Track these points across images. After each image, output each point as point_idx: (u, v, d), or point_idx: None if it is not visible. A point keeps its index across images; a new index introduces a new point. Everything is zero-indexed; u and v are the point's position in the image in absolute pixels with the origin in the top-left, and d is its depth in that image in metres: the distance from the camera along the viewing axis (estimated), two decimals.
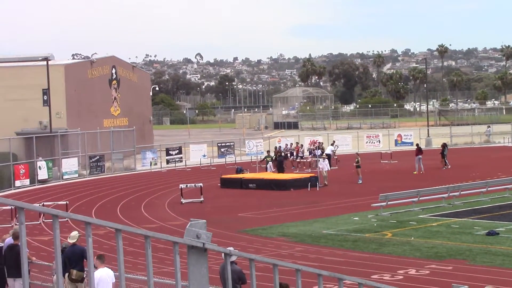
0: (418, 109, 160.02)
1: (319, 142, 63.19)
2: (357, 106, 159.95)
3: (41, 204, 35.58)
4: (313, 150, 59.34)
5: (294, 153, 60.11)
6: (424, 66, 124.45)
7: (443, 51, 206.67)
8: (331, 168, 56.82)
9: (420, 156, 51.98)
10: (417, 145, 55.21)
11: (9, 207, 33.87)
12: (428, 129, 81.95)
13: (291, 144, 63.96)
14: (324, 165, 46.67)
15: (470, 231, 29.85)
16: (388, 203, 35.03)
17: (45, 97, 59.77)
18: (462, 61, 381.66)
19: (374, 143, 73.31)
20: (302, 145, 62.54)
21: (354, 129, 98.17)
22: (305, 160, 58.16)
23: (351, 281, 4.76)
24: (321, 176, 45.61)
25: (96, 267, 16.39)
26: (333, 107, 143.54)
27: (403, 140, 75.60)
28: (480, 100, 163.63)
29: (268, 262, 4.24)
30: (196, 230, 3.88)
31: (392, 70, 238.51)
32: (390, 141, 72.73)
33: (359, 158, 47.90)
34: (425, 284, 20.91)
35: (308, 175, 47.97)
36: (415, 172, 51.15)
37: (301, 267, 4.27)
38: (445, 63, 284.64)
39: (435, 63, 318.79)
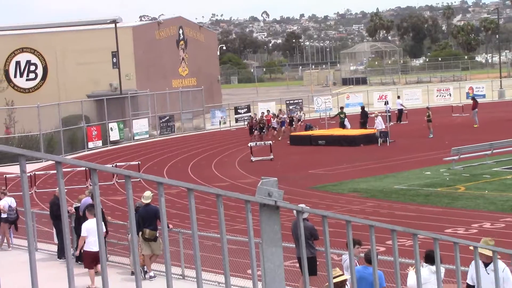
0: (490, 60, 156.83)
1: (286, 111, 58.40)
2: (427, 60, 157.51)
3: (113, 165, 36.18)
4: (280, 120, 51.80)
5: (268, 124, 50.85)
6: (496, 16, 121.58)
7: None
8: (402, 122, 56.23)
9: (476, 109, 51.34)
10: (472, 98, 54.36)
11: (83, 168, 34.52)
12: (500, 81, 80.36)
13: (262, 113, 53.70)
14: (377, 123, 45.67)
15: None
16: (461, 156, 34.55)
17: (114, 60, 60.44)
18: None
19: (444, 96, 72.22)
20: (275, 115, 53.29)
21: (424, 83, 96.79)
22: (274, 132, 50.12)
23: (426, 236, 4.70)
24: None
25: (87, 218, 18.19)
26: (402, 61, 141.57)
27: (474, 92, 74.22)
28: None
29: (341, 218, 4.20)
30: (268, 188, 3.86)
31: (462, 22, 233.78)
32: (461, 94, 71.53)
33: (430, 112, 47.27)
34: (501, 237, 20.61)
35: (376, 131, 47.55)
36: (475, 126, 50.33)
37: (374, 223, 4.23)
38: None
39: (507, 13, 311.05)
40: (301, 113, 57.28)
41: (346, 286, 10.16)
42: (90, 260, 17.82)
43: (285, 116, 53.39)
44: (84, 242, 17.85)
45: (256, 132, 49.19)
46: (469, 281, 11.34)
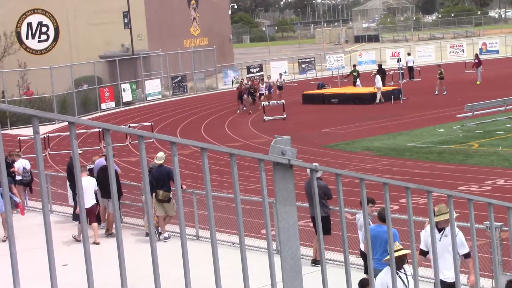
0: (503, 15, 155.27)
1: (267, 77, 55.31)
2: (439, 16, 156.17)
3: (126, 126, 36.25)
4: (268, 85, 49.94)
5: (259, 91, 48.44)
6: None
7: None
8: (413, 79, 55.89)
9: (480, 67, 51.23)
10: (476, 55, 54.01)
11: (96, 130, 34.60)
12: None
13: (249, 79, 52.62)
14: (376, 82, 45.31)
15: None
16: (474, 113, 34.41)
17: (126, 20, 60.20)
18: None
19: (457, 52, 71.73)
20: (261, 80, 51.24)
21: (437, 39, 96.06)
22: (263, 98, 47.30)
23: (440, 193, 4.69)
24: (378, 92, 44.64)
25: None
26: (414, 18, 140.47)
27: (488, 48, 73.76)
28: None
29: (355, 176, 4.19)
30: (281, 146, 3.85)
31: None
32: (474, 50, 70.97)
33: (442, 70, 46.97)
34: None
35: (390, 88, 47.42)
36: (478, 83, 50.11)
37: (388, 180, 4.21)
38: None
39: None
40: (281, 79, 51.96)
41: (406, 259, 10.08)
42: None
43: (270, 81, 51.63)
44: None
45: (246, 97, 46.51)
46: (422, 247, 11.36)
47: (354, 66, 54.44)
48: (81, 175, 19.01)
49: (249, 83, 48.93)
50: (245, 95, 46.54)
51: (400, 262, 9.72)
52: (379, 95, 44.31)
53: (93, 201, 18.88)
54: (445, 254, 10.43)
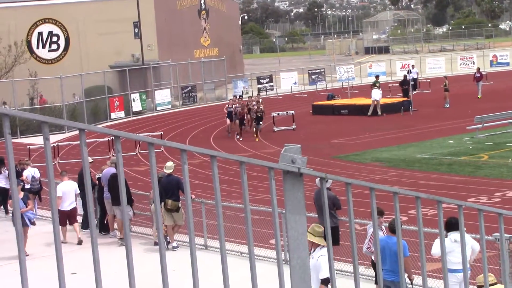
0: None
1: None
2: (450, 28, 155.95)
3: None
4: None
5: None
6: None
7: None
8: (417, 91, 55.41)
9: (481, 81, 50.75)
10: (477, 69, 53.40)
11: (106, 139, 34.66)
12: None
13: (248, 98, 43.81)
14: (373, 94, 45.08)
15: None
16: (484, 125, 34.34)
17: (136, 30, 60.36)
18: None
19: (468, 64, 71.54)
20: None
21: (447, 51, 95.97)
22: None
23: (450, 203, 4.67)
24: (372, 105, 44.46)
25: (60, 181, 19.78)
26: (425, 30, 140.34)
27: (498, 60, 73.63)
28: None
29: (365, 185, 4.18)
30: (291, 155, 3.84)
31: None
32: (485, 62, 70.86)
33: (447, 82, 46.82)
34: None
35: (400, 99, 47.37)
36: (479, 97, 49.55)
37: (398, 190, 4.20)
38: None
39: None
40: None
41: None
42: (63, 219, 19.25)
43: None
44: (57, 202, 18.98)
45: (248, 119, 39.59)
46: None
47: (377, 77, 53.94)
48: (63, 179, 19.71)
49: (253, 103, 39.56)
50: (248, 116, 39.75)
51: None
52: (372, 108, 44.07)
53: (74, 205, 19.97)
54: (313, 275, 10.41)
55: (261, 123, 38.10)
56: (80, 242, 19.25)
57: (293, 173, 3.83)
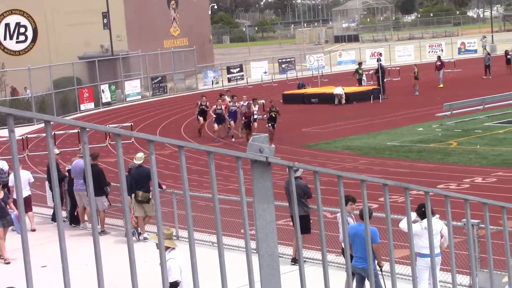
0: (481, 15, 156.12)
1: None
2: (419, 16, 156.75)
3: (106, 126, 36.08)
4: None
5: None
6: None
7: None
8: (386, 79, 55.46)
9: (442, 69, 50.05)
10: (438, 57, 52.63)
11: (76, 131, 34.45)
12: (492, 36, 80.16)
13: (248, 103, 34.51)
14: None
15: None
16: (453, 112, 34.61)
17: (105, 21, 59.99)
18: None
19: (436, 52, 71.89)
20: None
21: (416, 39, 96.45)
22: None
23: (416, 189, 4.71)
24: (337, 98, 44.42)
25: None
26: (394, 18, 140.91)
27: (466, 48, 74.19)
28: None
29: (333, 173, 4.20)
30: (259, 144, 3.85)
31: None
32: (453, 49, 71.38)
33: (417, 70, 46.97)
34: (492, 191, 20.74)
35: (370, 87, 47.59)
36: (441, 86, 49.22)
37: (366, 177, 4.23)
38: None
39: None
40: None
41: None
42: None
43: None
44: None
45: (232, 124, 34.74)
46: None
47: (360, 64, 53.88)
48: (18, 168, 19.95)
49: (245, 104, 34.35)
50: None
51: None
52: (337, 100, 44.15)
53: (29, 192, 20.36)
54: None
55: (275, 125, 32.26)
56: (33, 230, 19.55)
57: (261, 162, 3.84)
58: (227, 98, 36.11)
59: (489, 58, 53.70)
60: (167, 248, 10.68)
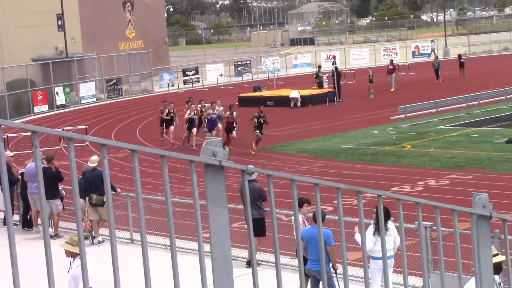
0: (435, 19, 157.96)
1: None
2: (373, 19, 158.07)
3: (60, 129, 35.78)
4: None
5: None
6: None
7: None
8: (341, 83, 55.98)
9: (394, 74, 50.36)
10: (390, 61, 52.92)
11: (29, 133, 34.09)
12: (445, 39, 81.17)
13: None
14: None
15: (489, 139, 29.82)
16: (407, 115, 34.97)
17: (60, 22, 59.44)
18: None
19: (391, 55, 72.68)
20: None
21: (371, 43, 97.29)
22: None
23: (369, 192, 4.76)
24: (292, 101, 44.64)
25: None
26: (349, 21, 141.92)
27: (420, 51, 75.05)
28: (498, 7, 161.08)
29: (286, 177, 4.23)
30: (212, 148, 3.86)
31: None
32: (407, 53, 72.12)
33: (371, 73, 47.39)
34: (445, 194, 20.99)
35: (326, 91, 47.84)
36: (392, 90, 49.56)
37: (319, 181, 4.26)
38: None
39: None
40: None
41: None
42: None
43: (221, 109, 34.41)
44: None
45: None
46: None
47: (319, 67, 53.96)
48: None
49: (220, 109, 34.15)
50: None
51: (498, 269, 8.42)
52: (293, 103, 44.40)
53: None
54: None
55: (262, 132, 31.50)
56: None
57: (215, 166, 3.85)
58: (206, 105, 34.63)
59: (439, 63, 54.23)
60: (76, 254, 10.40)
